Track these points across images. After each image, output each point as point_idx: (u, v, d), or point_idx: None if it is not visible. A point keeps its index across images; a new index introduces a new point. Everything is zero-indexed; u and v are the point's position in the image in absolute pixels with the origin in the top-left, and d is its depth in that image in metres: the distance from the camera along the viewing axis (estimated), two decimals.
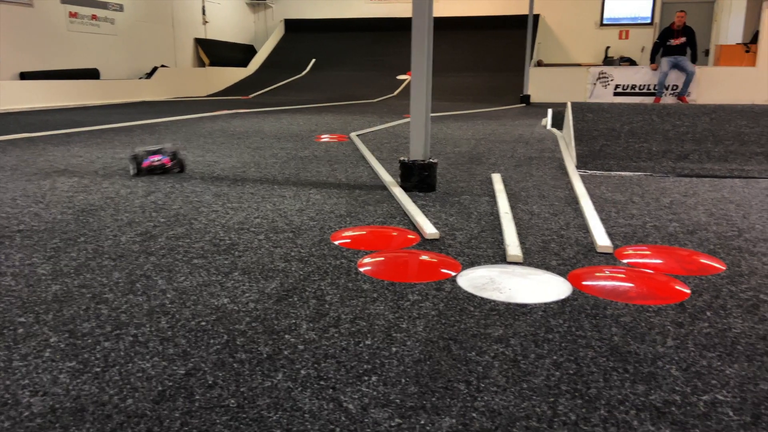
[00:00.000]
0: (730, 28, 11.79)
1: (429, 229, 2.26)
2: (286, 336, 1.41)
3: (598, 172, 3.70)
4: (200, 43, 14.03)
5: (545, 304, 1.65)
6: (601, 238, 2.18)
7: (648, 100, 10.22)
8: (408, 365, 1.29)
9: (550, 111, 6.63)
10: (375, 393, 1.17)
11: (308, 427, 1.05)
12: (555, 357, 1.34)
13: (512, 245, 2.09)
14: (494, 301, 1.66)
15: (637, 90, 10.66)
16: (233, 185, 3.22)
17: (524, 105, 10.32)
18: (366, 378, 1.23)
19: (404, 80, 12.97)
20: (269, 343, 1.38)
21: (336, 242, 2.19)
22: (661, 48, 9.98)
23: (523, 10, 10.46)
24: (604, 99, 10.69)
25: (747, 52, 10.47)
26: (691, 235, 2.32)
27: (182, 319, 1.51)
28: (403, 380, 1.22)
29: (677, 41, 9.75)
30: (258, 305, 1.59)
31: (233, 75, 14.24)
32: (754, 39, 10.43)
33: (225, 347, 1.35)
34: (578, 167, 3.83)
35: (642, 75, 10.58)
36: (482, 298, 1.68)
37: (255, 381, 1.21)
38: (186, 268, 1.88)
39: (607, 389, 1.20)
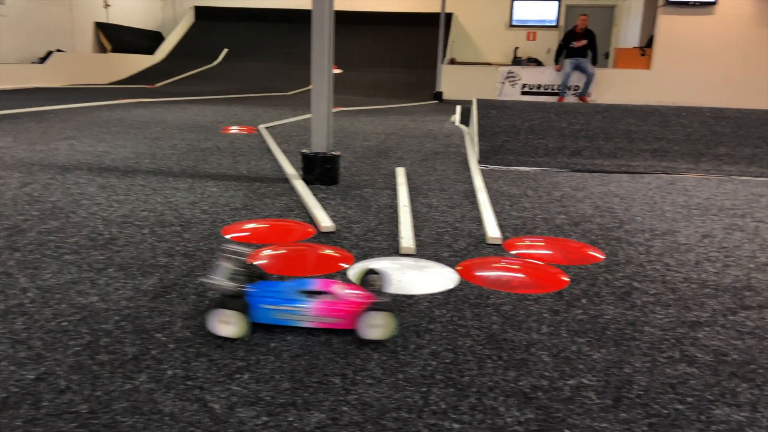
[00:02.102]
0: (628, 33, 12.57)
1: (325, 222, 2.23)
2: (157, 335, 1.33)
3: (498, 167, 3.81)
4: (101, 27, 13.21)
5: (432, 294, 1.66)
6: (492, 230, 2.23)
7: (553, 99, 10.69)
8: (285, 361, 1.25)
9: (458, 108, 6.78)
10: (245, 391, 1.12)
11: (166, 430, 0.99)
12: (434, 347, 1.35)
13: (406, 237, 2.10)
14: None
15: (542, 90, 11.13)
16: (123, 177, 3.04)
17: (437, 102, 10.51)
18: (238, 376, 1.18)
19: None
20: (137, 343, 1.29)
21: (227, 236, 2.10)
22: (564, 50, 10.46)
23: (438, 8, 10.64)
24: (512, 97, 11.08)
25: (642, 55, 11.20)
26: (576, 226, 2.43)
27: (41, 319, 1.38)
28: (277, 377, 1.18)
29: (579, 43, 10.26)
30: (131, 303, 1.50)
31: (138, 63, 13.53)
32: (650, 43, 11.17)
33: (86, 349, 1.25)
34: (480, 162, 3.92)
35: (547, 75, 11.06)
36: None
37: (114, 384, 1.12)
38: (55, 264, 1.74)
39: (480, 377, 1.22)
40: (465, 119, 6.45)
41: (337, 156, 3.06)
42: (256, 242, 2.05)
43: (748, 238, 2.28)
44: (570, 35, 10.34)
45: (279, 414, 1.05)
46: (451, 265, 1.91)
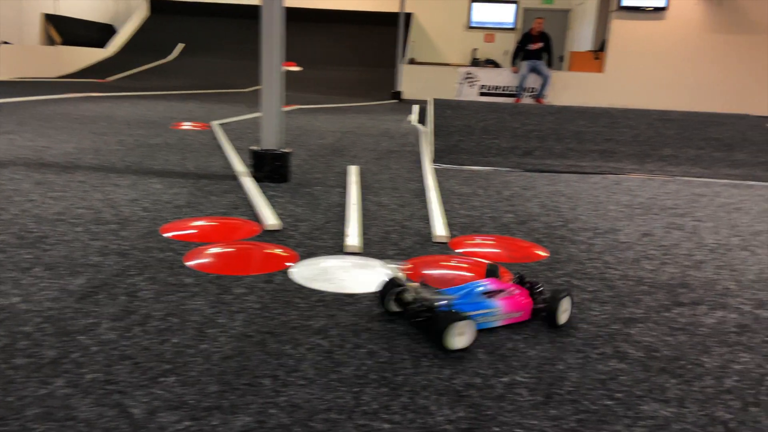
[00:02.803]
0: (582, 36, 12.85)
1: (270, 219, 2.19)
2: (80, 337, 1.27)
3: (451, 166, 3.83)
4: (50, 19, 12.73)
5: (374, 293, 1.64)
6: (439, 229, 2.23)
7: (510, 100, 10.85)
8: (214, 363, 1.21)
9: (415, 107, 6.79)
10: (168, 395, 1.08)
11: None
12: (371, 346, 1.33)
13: (352, 236, 2.07)
14: (323, 291, 1.62)
15: (500, 91, 11.28)
16: (61, 173, 2.92)
17: (396, 101, 10.52)
18: (163, 379, 1.13)
19: None
20: (57, 345, 1.23)
21: (166, 234, 2.04)
22: (521, 52, 10.62)
23: (398, 7, 10.66)
24: (470, 98, 11.18)
25: (596, 59, 11.48)
26: (522, 225, 2.45)
27: None
28: (204, 379, 1.14)
29: (535, 46, 10.43)
30: (55, 304, 1.43)
31: (89, 56, 13.09)
32: (603, 47, 11.45)
33: (1, 352, 1.19)
34: (434, 161, 3.93)
35: (504, 77, 11.22)
36: (311, 289, 1.63)
37: (27, 389, 1.06)
38: None
39: (414, 376, 1.20)
40: (423, 119, 6.47)
41: (288, 153, 3.01)
42: (196, 241, 1.99)
43: (686, 236, 2.35)
44: (526, 38, 10.51)
45: (203, 418, 1.02)
46: (397, 263, 1.89)
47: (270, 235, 2.10)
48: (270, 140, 2.93)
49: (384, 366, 1.24)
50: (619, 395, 1.17)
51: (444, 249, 2.09)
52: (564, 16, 13.88)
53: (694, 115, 4.82)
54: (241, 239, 2.05)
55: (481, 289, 1.45)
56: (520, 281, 1.54)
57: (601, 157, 4.05)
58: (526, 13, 13.61)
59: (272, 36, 2.79)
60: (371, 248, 2.04)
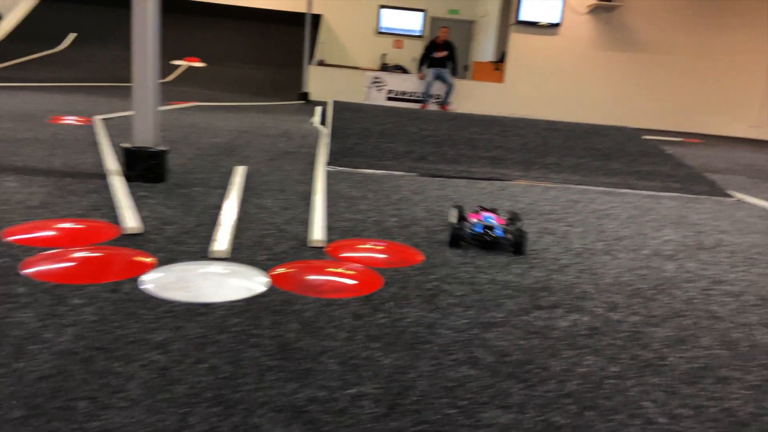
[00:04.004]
0: (484, 47, 13.30)
1: (130, 222, 2.03)
2: None
3: (346, 169, 3.78)
4: None
5: (232, 302, 1.55)
6: (317, 233, 2.17)
7: (417, 106, 11.01)
8: (27, 383, 1.08)
9: (318, 108, 6.72)
10: None
11: None
12: (215, 361, 1.24)
13: (219, 240, 1.97)
14: (175, 301, 1.51)
15: (407, 96, 11.42)
16: None
17: (303, 102, 10.39)
18: None
19: (179, 66, 12.16)
20: None
21: (8, 239, 1.84)
22: (426, 59, 10.81)
23: (307, 8, 10.53)
24: (378, 102, 11.24)
25: (496, 69, 11.90)
26: (405, 229, 2.45)
27: None
28: (8, 404, 1.01)
29: (440, 54, 10.65)
30: None
31: None
32: (503, 58, 11.90)
33: None
34: (330, 163, 3.87)
35: (411, 82, 11.37)
36: (162, 299, 1.52)
37: None
38: None
39: (255, 392, 1.13)
40: (325, 120, 6.40)
41: (165, 151, 2.84)
42: (41, 246, 1.81)
43: (557, 241, 2.43)
44: (432, 46, 10.71)
45: None
46: (267, 269, 1.81)
47: (129, 240, 1.95)
48: (144, 137, 2.75)
49: (223, 382, 1.16)
50: (463, 403, 1.16)
51: (319, 254, 2.03)
52: (469, 26, 14.30)
53: (578, 125, 5.08)
54: (94, 244, 1.88)
55: (493, 220, 2.32)
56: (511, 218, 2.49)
57: (490, 164, 4.16)
58: (432, 22, 13.88)
59: (146, 25, 2.62)
60: (241, 253, 1.94)
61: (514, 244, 2.21)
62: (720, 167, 5.69)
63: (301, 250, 2.05)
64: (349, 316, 1.53)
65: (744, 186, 4.49)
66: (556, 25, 11.28)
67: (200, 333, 1.36)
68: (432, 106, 11.01)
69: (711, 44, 11.55)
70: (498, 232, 2.24)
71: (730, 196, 3.89)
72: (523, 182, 3.78)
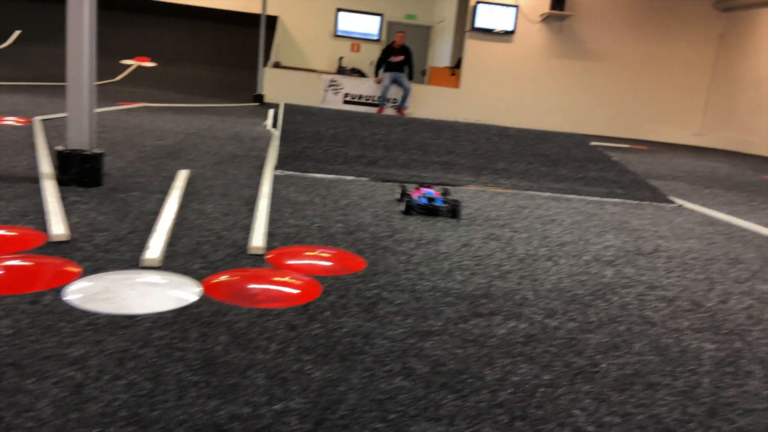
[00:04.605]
0: (441, 53, 13.42)
1: (57, 229, 1.94)
2: None
3: (295, 173, 3.73)
4: None
5: (159, 313, 1.48)
6: (256, 240, 2.12)
7: (373, 109, 11.00)
8: None
9: (271, 111, 6.63)
10: None
11: None
12: (134, 376, 1.18)
13: (152, 248, 1.89)
14: (98, 313, 1.44)
15: (364, 100, 11.40)
16: None
17: (257, 104, 10.24)
18: None
19: (130, 66, 11.82)
20: None
21: None
22: (383, 63, 10.83)
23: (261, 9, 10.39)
24: (335, 105, 11.18)
25: (452, 75, 12.02)
26: (350, 235, 2.41)
27: None
28: None
29: (397, 59, 10.68)
30: None
31: None
32: (459, 64, 12.03)
33: None
34: (279, 167, 3.81)
35: (368, 86, 11.36)
36: (84, 311, 1.44)
37: None
38: None
39: (174, 409, 1.08)
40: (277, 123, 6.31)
41: (100, 154, 2.73)
42: None
43: (501, 247, 2.45)
44: (388, 50, 10.73)
45: None
46: (201, 278, 1.75)
47: (55, 248, 1.86)
48: (78, 139, 2.63)
49: (142, 400, 1.10)
50: (392, 416, 1.13)
51: (258, 262, 1.98)
52: (426, 32, 14.40)
53: (528, 132, 5.16)
54: (17, 252, 1.78)
55: (432, 193, 2.92)
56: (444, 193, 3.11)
57: (441, 169, 4.18)
58: (390, 26, 13.92)
59: (81, 22, 2.51)
60: (174, 261, 1.87)
61: (452, 211, 2.87)
62: (663, 174, 5.88)
63: (240, 257, 2.00)
64: (283, 327, 1.49)
65: (684, 192, 4.64)
66: (511, 32, 11.48)
67: (121, 347, 1.29)
68: (389, 111, 11.03)
69: (657, 55, 11.97)
70: (438, 202, 2.89)
71: (671, 202, 4.02)
72: (472, 187, 3.80)
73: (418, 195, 2.92)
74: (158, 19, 13.60)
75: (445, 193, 3.10)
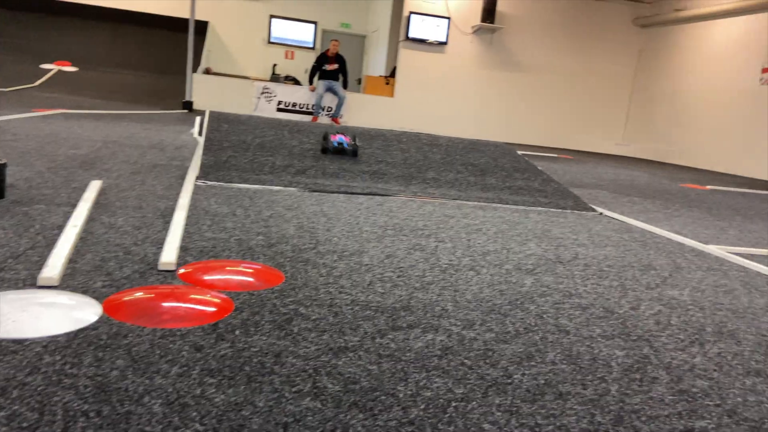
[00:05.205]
0: (376, 62, 13.49)
1: None
2: None
3: (219, 183, 3.61)
4: None
5: (51, 337, 1.37)
6: (167, 254, 2.01)
7: (307, 118, 10.91)
8: None
9: (198, 119, 6.43)
10: None
11: None
12: (17, 407, 1.08)
13: (50, 266, 1.76)
14: None
15: (297, 108, 11.29)
16: None
17: (186, 111, 9.94)
18: None
19: (50, 70, 11.21)
20: None
21: None
22: (318, 71, 10.77)
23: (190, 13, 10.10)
24: (267, 113, 11.02)
25: (387, 84, 12.11)
26: (270, 248, 2.35)
27: None
28: None
29: (331, 67, 10.65)
30: None
31: None
32: (393, 73, 12.13)
33: None
34: (202, 178, 3.68)
35: (302, 94, 11.27)
36: None
37: None
38: None
39: None
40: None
41: (2, 165, 2.54)
42: None
43: (425, 257, 2.44)
44: (322, 58, 10.68)
45: None
46: (102, 297, 1.64)
47: None
48: None
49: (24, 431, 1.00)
50: None
51: (168, 278, 1.88)
52: (361, 41, 14.45)
53: (458, 141, 5.23)
54: None
55: (343, 139, 4.60)
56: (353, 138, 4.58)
57: (371, 178, 4.16)
58: (324, 34, 13.88)
59: None
60: (74, 280, 1.75)
61: (352, 152, 4.46)
62: (586, 182, 6.11)
63: (149, 274, 1.89)
64: (188, 348, 1.41)
65: (605, 200, 4.83)
66: (443, 43, 11.69)
67: (6, 375, 1.18)
68: (323, 119, 10.97)
69: (583, 68, 12.50)
70: (345, 145, 4.46)
71: (592, 210, 4.16)
72: (402, 197, 3.80)
73: (334, 139, 4.47)
74: (82, 22, 13.00)
75: (353, 139, 4.57)
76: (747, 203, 5.73)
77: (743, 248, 3.36)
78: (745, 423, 1.33)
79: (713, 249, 3.21)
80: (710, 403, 1.41)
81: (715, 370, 1.61)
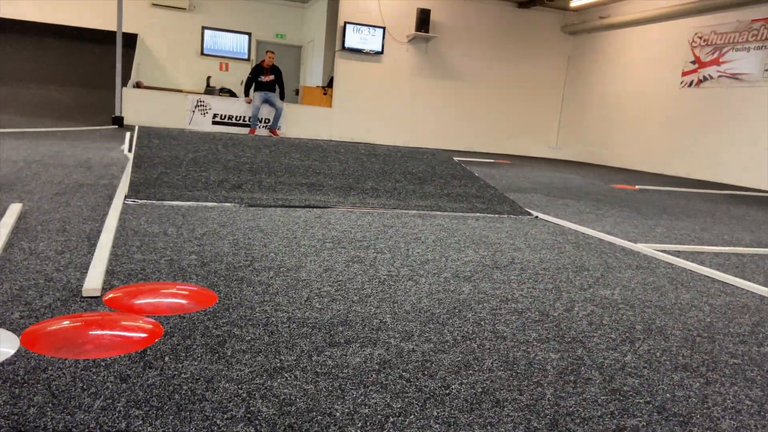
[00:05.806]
0: (313, 72, 13.44)
1: None
2: None
3: (149, 202, 3.48)
4: None
5: None
6: (91, 280, 1.91)
7: (244, 130, 10.73)
8: None
9: (128, 135, 6.21)
10: None
11: None
12: None
13: None
14: None
15: (234, 120, 11.09)
16: None
17: (117, 127, 9.58)
18: None
19: None
20: None
21: None
22: (253, 83, 10.62)
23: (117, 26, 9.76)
24: (203, 127, 10.78)
25: (325, 94, 12.08)
26: (203, 267, 2.27)
27: None
28: None
29: (267, 78, 10.53)
30: None
31: None
32: (331, 84, 12.11)
33: None
34: (131, 196, 3.53)
35: (238, 106, 11.08)
36: None
37: None
38: None
39: None
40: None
41: None
42: None
43: (364, 269, 2.43)
44: (258, 69, 10.55)
45: None
46: (20, 329, 1.54)
47: None
48: None
49: None
50: None
51: (93, 305, 1.78)
52: (297, 51, 14.37)
53: (396, 150, 5.27)
54: None
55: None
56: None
57: (309, 191, 4.12)
58: (259, 45, 13.72)
59: None
60: None
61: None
62: (523, 186, 6.28)
63: (71, 301, 1.79)
64: (113, 378, 1.34)
65: (540, 204, 4.97)
66: (379, 52, 11.78)
67: None
68: (261, 131, 10.82)
69: (516, 74, 12.88)
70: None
71: (528, 213, 4.27)
72: (341, 209, 3.78)
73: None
74: (3, 36, 12.32)
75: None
76: (673, 201, 6.03)
77: (670, 245, 3.52)
78: (674, 418, 1.38)
79: (642, 247, 3.34)
80: (641, 400, 1.46)
81: (645, 368, 1.66)
